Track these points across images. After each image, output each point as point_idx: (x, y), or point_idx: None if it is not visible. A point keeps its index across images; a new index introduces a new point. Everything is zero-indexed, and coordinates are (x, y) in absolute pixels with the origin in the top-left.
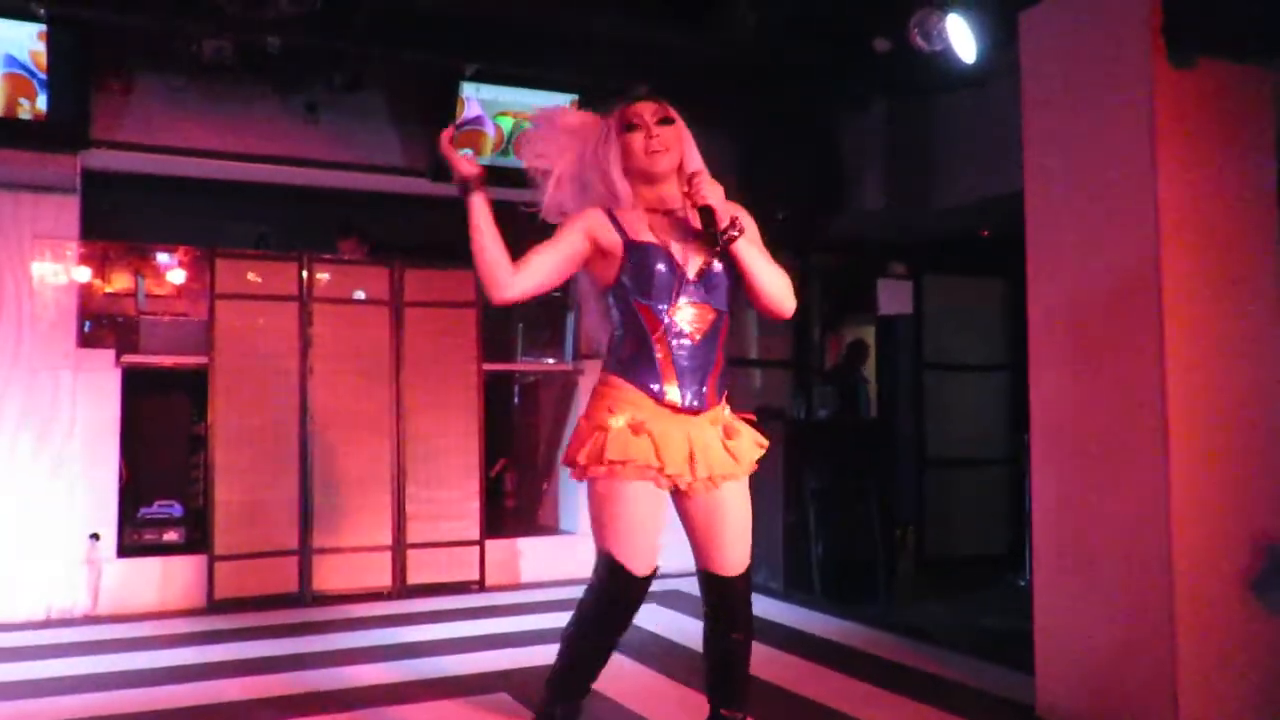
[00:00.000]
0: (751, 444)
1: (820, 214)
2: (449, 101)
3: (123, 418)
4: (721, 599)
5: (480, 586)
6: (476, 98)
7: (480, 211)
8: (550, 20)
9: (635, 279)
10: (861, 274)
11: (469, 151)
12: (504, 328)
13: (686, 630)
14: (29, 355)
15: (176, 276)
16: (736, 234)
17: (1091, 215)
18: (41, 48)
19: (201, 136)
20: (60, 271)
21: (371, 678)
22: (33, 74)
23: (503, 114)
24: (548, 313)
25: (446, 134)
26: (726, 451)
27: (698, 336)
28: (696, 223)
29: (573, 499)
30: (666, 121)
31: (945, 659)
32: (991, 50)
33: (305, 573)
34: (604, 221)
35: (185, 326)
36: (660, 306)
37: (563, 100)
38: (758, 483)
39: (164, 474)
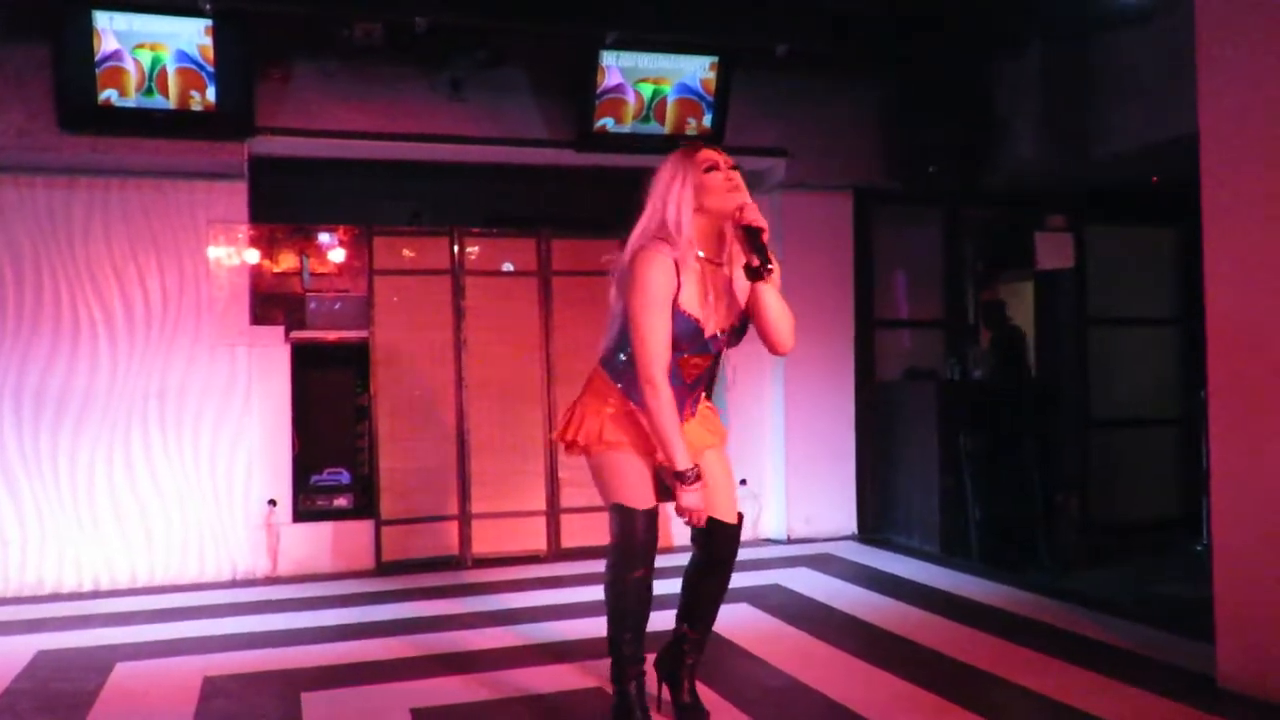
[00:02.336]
0: (717, 426)
1: (973, 167)
2: (590, 71)
3: (292, 391)
4: (721, 544)
5: None
6: (617, 65)
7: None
8: None
9: (690, 343)
10: (1018, 227)
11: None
12: None
13: (836, 592)
14: (208, 333)
15: (337, 255)
16: (772, 267)
17: (1278, 159)
18: (209, 42)
19: (354, 119)
20: (233, 254)
21: (529, 638)
22: (202, 67)
23: (643, 80)
24: None
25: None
26: (704, 430)
27: (691, 379)
28: (739, 262)
29: None
30: (736, 167)
31: (1114, 626)
32: None
33: (465, 537)
34: (672, 279)
35: (347, 302)
36: (673, 356)
37: (703, 63)
38: (911, 446)
39: (332, 443)
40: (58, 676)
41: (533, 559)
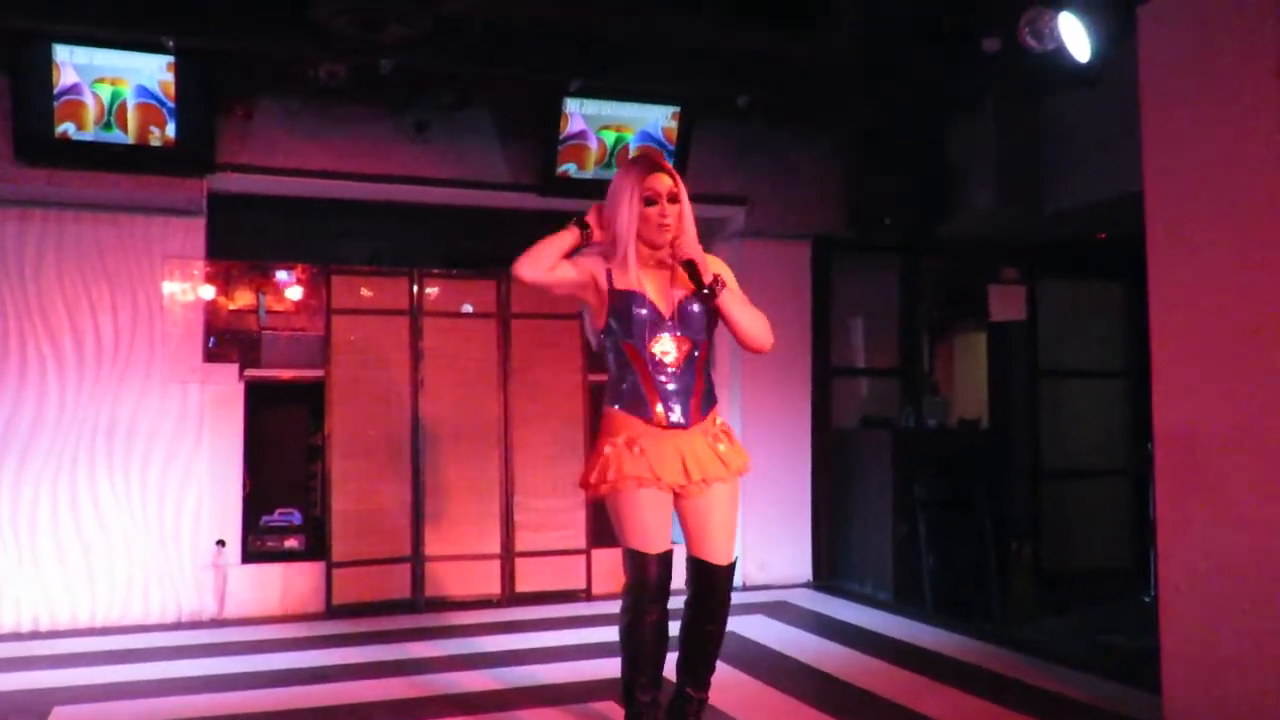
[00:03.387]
0: (738, 451)
1: (928, 218)
2: (553, 117)
3: (245, 429)
4: (708, 586)
5: (587, 595)
6: (580, 113)
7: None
8: (650, 32)
9: (620, 322)
10: (972, 279)
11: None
12: None
13: (790, 640)
14: (160, 370)
15: (295, 293)
16: (719, 288)
17: (1220, 212)
18: (170, 78)
19: (317, 158)
20: (188, 289)
21: (481, 684)
22: (162, 103)
23: (605, 128)
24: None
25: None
26: (716, 457)
27: (677, 365)
28: (682, 275)
29: None
30: (673, 200)
31: (1065, 676)
32: (1105, 47)
33: (418, 579)
34: (601, 271)
35: (303, 341)
36: (642, 343)
37: (665, 112)
38: (866, 493)
39: (284, 483)
40: None
41: (486, 603)
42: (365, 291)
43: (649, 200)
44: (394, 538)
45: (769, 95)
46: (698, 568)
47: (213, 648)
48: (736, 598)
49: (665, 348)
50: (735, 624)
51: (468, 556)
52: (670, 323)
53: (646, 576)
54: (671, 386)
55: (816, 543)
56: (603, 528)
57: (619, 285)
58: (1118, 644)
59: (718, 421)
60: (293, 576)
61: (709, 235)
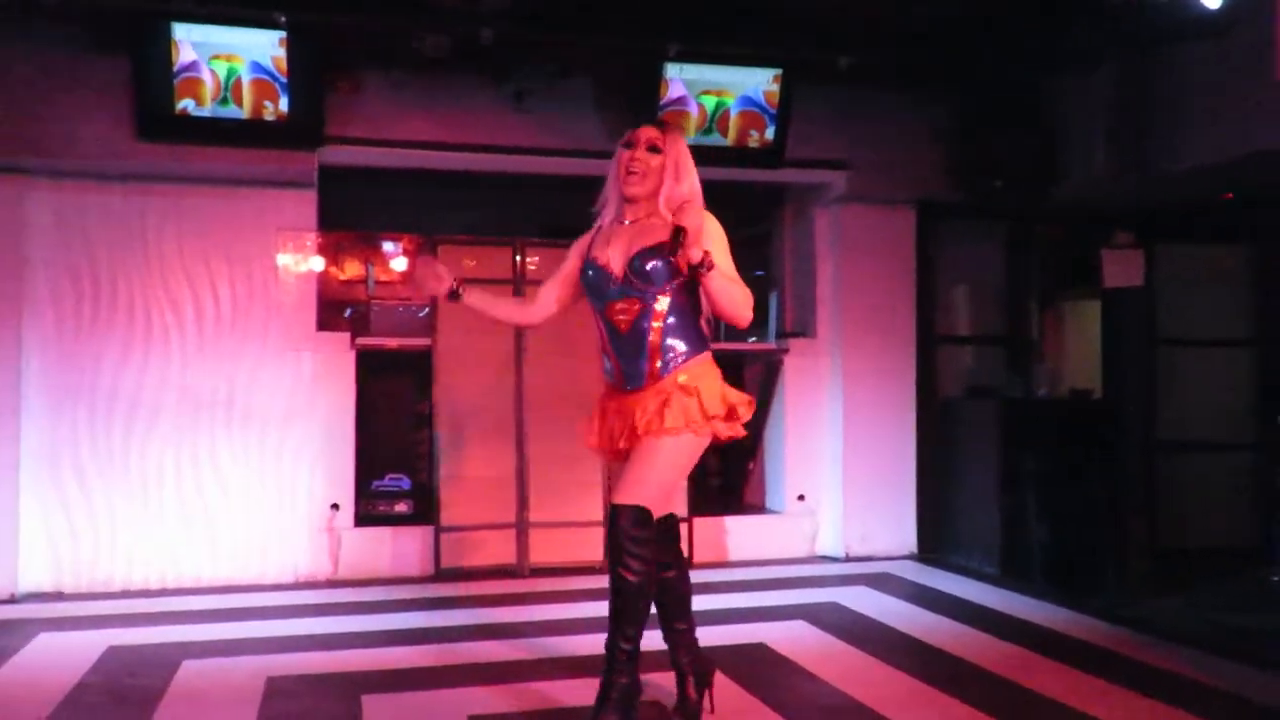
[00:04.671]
0: (682, 409)
1: (1039, 181)
2: (653, 83)
3: (356, 396)
4: (614, 525)
5: (689, 563)
6: (680, 78)
7: (474, 302)
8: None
9: (587, 288)
10: (1084, 244)
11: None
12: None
13: (894, 612)
14: (276, 339)
15: (400, 263)
16: (706, 270)
17: None
18: (282, 53)
19: (421, 129)
20: (300, 261)
21: (586, 648)
22: (275, 78)
23: (705, 93)
24: (751, 291)
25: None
26: (660, 415)
27: (625, 326)
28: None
29: (778, 479)
30: (653, 150)
31: (1181, 655)
32: None
33: (523, 546)
34: (584, 243)
35: (410, 311)
36: (599, 306)
37: (767, 75)
38: (972, 464)
39: (393, 449)
40: (127, 672)
41: (589, 569)
42: (469, 261)
43: (626, 143)
44: (498, 504)
45: (872, 57)
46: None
47: (327, 607)
48: (839, 568)
49: (620, 308)
50: (837, 594)
51: (570, 524)
52: (620, 284)
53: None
54: (623, 348)
55: (921, 515)
56: (701, 497)
57: (586, 254)
58: (1237, 623)
59: (681, 379)
60: (402, 540)
61: (809, 200)
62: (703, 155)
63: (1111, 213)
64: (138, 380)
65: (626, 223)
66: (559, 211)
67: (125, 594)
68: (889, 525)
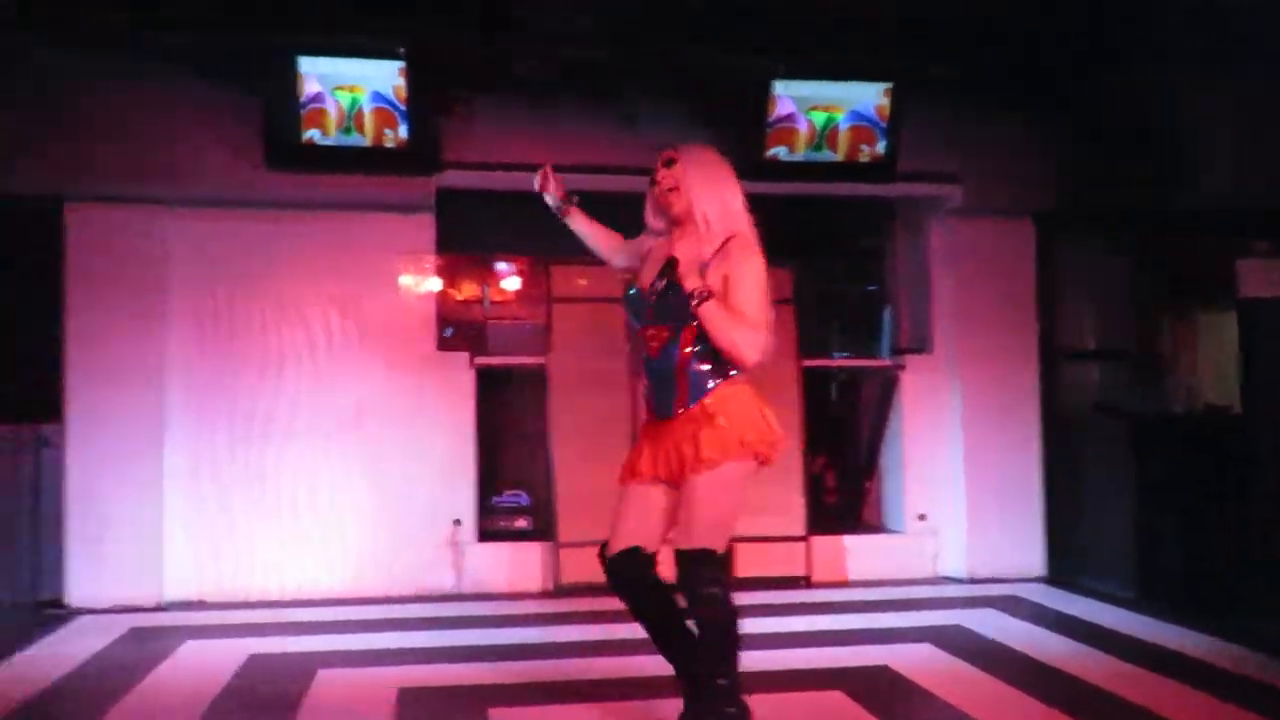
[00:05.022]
0: (716, 441)
1: (1165, 188)
2: (761, 100)
3: (475, 413)
4: (678, 571)
5: (807, 582)
6: (788, 95)
7: (577, 226)
8: (860, 6)
9: (627, 309)
10: (1216, 254)
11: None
12: (820, 322)
13: (1023, 636)
14: (398, 357)
15: (512, 283)
16: (696, 303)
17: None
18: (402, 82)
19: (531, 151)
20: (420, 282)
21: None
22: (395, 106)
23: (815, 108)
24: (864, 307)
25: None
26: (692, 449)
27: (657, 352)
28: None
29: (897, 497)
30: (669, 163)
31: None
32: None
33: None
34: (643, 248)
35: (525, 329)
36: (634, 329)
37: (877, 89)
38: (1103, 483)
39: (512, 465)
40: (267, 679)
41: None
42: (582, 281)
43: (652, 182)
44: None
45: (987, 69)
46: (675, 556)
47: (453, 620)
48: (963, 590)
49: (652, 334)
50: (963, 617)
51: None
52: (652, 308)
53: (603, 567)
54: (654, 375)
55: (1049, 535)
56: (819, 516)
57: (632, 270)
58: None
59: (709, 406)
60: (522, 555)
61: (922, 213)
62: (812, 171)
63: (1247, 220)
64: (271, 399)
65: (665, 240)
66: None
67: (262, 604)
68: (1015, 546)
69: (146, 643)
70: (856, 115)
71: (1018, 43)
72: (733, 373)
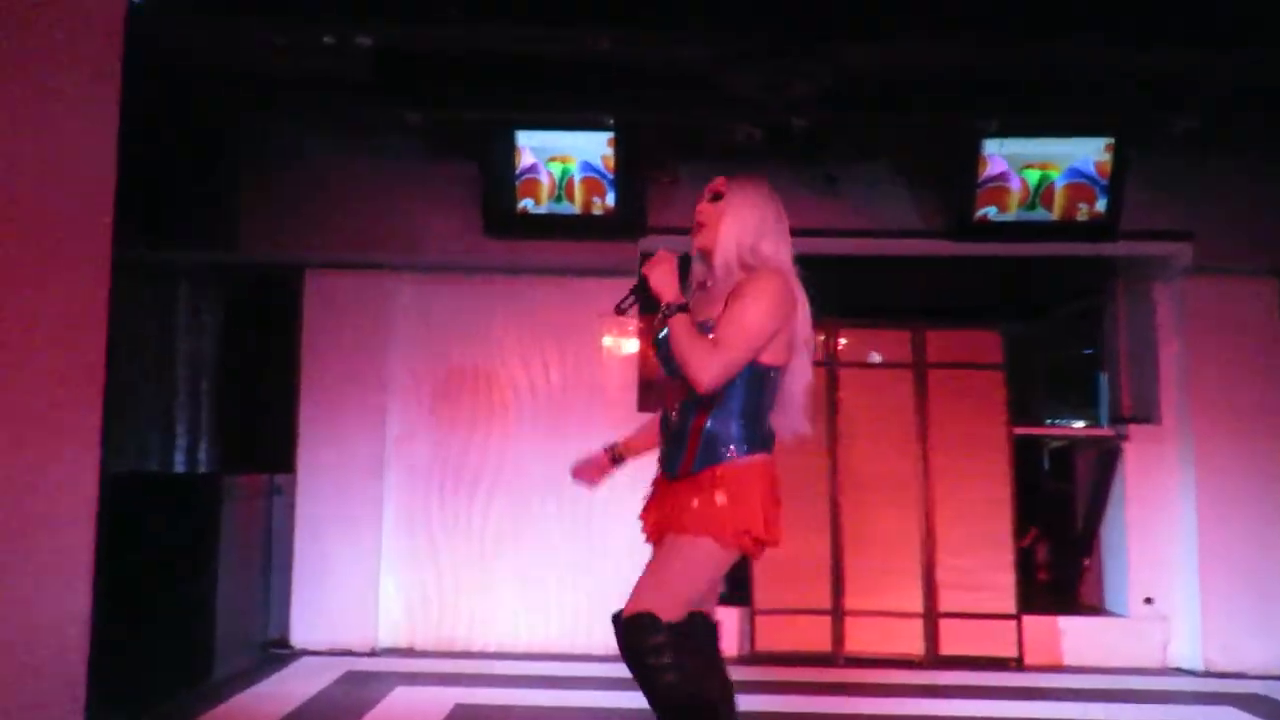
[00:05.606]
0: (712, 515)
1: None
2: (970, 160)
3: None
4: (618, 640)
5: (1018, 664)
6: (1000, 153)
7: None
8: (1077, 62)
9: (658, 359)
10: None
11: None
12: (1031, 388)
13: None
14: (600, 418)
15: None
16: (663, 317)
17: None
18: (610, 152)
19: None
20: (622, 343)
21: None
22: (603, 175)
23: (1028, 166)
24: (1077, 371)
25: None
26: (686, 510)
27: (675, 412)
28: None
29: (1120, 578)
30: (715, 199)
31: None
32: None
33: (838, 633)
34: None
35: None
36: (664, 381)
37: (1097, 145)
38: None
39: None
40: None
41: (908, 663)
42: None
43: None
44: (812, 589)
45: (1208, 118)
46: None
47: None
48: (1197, 684)
49: (676, 385)
50: (1197, 714)
51: (887, 613)
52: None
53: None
54: (668, 435)
55: None
56: (1030, 593)
57: None
58: None
59: (717, 478)
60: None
61: (1147, 273)
62: (1025, 230)
63: None
64: (480, 455)
65: (707, 286)
66: (869, 291)
67: (467, 654)
68: (1260, 637)
69: (361, 686)
70: (1074, 173)
71: (1259, 93)
72: (756, 448)
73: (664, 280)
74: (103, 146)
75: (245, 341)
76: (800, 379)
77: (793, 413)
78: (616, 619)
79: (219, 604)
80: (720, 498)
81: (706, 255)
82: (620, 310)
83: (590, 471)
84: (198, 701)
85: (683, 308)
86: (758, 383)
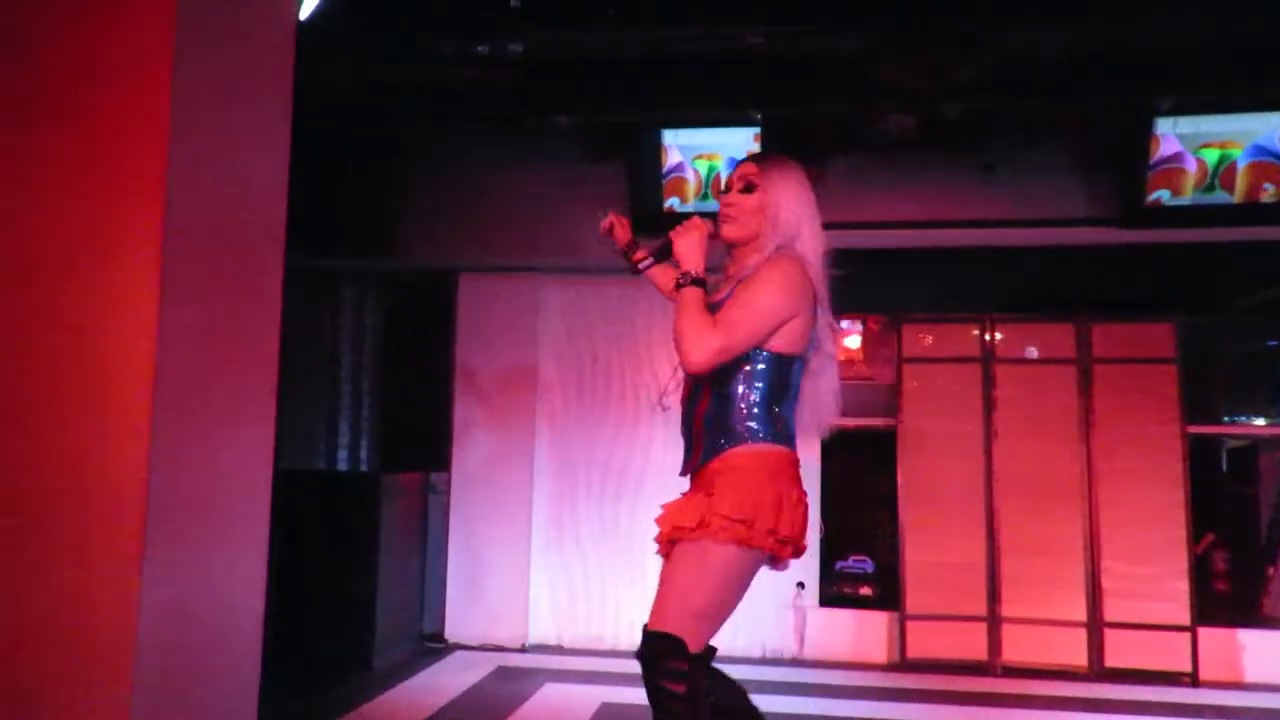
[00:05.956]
0: (697, 510)
1: None
2: (1140, 142)
3: (820, 474)
4: (641, 649)
5: (1192, 680)
6: (1173, 133)
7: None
8: (1260, 30)
9: None
10: None
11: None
12: (1209, 384)
13: None
14: None
15: (853, 341)
16: (679, 285)
17: None
18: (756, 148)
19: (885, 209)
20: None
21: None
22: None
23: (1206, 146)
24: (1260, 366)
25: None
26: (693, 513)
27: (683, 404)
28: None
29: None
30: (747, 190)
31: None
32: None
33: (994, 641)
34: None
35: (869, 389)
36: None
37: (1270, 122)
38: None
39: (855, 530)
40: None
41: (1070, 675)
42: (929, 339)
43: (725, 187)
44: (967, 594)
45: None
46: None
47: (792, 686)
48: None
49: (681, 382)
50: None
51: (1048, 621)
52: None
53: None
54: (681, 430)
55: None
56: (1206, 604)
57: None
58: None
59: (715, 466)
60: (866, 624)
61: None
62: (1202, 215)
63: None
64: (625, 455)
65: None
66: (1028, 283)
67: (614, 653)
68: None
69: (511, 682)
70: (1258, 150)
71: None
72: (766, 438)
73: (690, 247)
74: (276, 163)
75: (403, 344)
76: (827, 381)
77: (821, 411)
78: (645, 630)
79: (379, 598)
80: (720, 489)
81: (733, 247)
82: (637, 269)
83: (617, 228)
84: (358, 691)
85: (699, 281)
86: (769, 371)
